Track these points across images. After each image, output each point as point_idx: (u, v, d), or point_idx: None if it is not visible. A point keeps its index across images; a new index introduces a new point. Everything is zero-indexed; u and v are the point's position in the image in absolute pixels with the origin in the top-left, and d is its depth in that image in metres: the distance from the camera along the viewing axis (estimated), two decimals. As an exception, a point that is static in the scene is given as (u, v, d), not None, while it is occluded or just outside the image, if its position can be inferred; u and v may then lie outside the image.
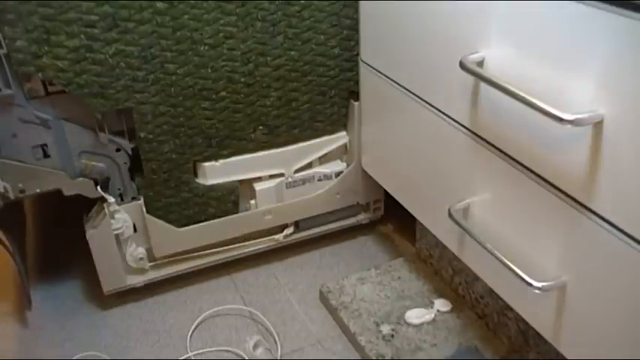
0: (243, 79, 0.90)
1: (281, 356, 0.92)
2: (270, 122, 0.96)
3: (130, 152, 0.90)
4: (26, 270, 1.02)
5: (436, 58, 0.75)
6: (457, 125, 0.74)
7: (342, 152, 1.06)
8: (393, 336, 0.90)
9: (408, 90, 0.83)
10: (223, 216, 1.00)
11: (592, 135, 0.53)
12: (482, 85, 0.67)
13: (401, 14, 0.80)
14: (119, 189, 0.92)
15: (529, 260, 0.65)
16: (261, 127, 0.95)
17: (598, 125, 0.52)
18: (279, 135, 0.98)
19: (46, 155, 0.85)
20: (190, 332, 0.97)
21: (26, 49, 0.75)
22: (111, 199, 0.90)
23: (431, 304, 0.96)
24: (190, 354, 0.93)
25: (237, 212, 1.00)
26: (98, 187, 0.88)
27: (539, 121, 0.59)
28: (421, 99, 0.80)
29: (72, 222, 1.16)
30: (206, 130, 0.91)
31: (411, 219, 0.96)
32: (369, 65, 0.92)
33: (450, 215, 0.73)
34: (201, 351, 0.94)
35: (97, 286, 0.98)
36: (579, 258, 0.58)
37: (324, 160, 1.05)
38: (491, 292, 0.88)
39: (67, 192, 0.87)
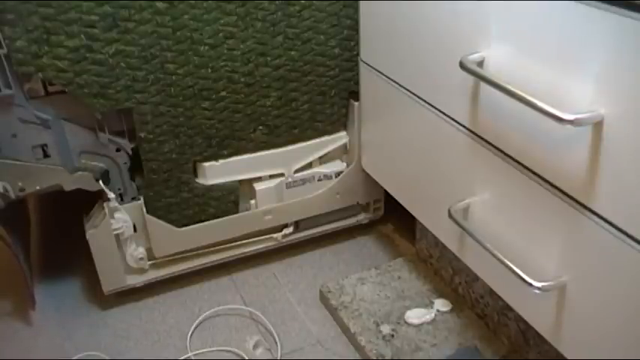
0: (243, 79, 0.90)
1: (281, 356, 0.92)
2: (270, 122, 0.96)
3: (130, 152, 0.90)
4: (30, 269, 1.02)
5: (436, 58, 0.75)
6: (457, 125, 0.74)
7: (342, 152, 1.06)
8: (393, 336, 0.90)
9: (408, 90, 0.83)
10: (223, 216, 1.00)
11: (592, 135, 0.53)
12: (483, 85, 0.67)
13: (401, 14, 0.80)
14: (119, 189, 0.92)
15: (529, 260, 0.65)
16: (261, 127, 0.95)
17: (598, 125, 0.52)
18: (279, 135, 0.97)
19: (46, 155, 0.85)
20: (190, 332, 0.97)
21: (26, 49, 0.75)
22: (111, 195, 0.90)
23: (431, 304, 0.96)
24: (190, 354, 0.93)
25: (237, 212, 1.00)
26: (100, 182, 0.88)
27: (539, 121, 0.59)
28: (421, 99, 0.80)
29: (72, 222, 1.16)
30: (206, 130, 0.91)
31: (411, 219, 0.96)
32: (369, 65, 0.92)
33: (450, 215, 0.73)
34: (201, 351, 0.94)
35: (97, 286, 0.98)
36: (579, 258, 0.58)
37: (324, 160, 1.05)
38: (491, 292, 0.88)
39: (67, 187, 0.87)
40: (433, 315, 0.94)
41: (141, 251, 0.97)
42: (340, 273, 1.08)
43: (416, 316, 0.93)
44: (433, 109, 0.78)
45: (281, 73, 0.92)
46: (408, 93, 0.83)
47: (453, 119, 0.74)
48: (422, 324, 0.92)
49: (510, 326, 0.86)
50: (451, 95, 0.73)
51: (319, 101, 0.98)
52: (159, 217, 0.95)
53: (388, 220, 1.20)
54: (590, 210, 0.56)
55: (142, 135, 0.87)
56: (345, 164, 1.06)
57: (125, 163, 0.90)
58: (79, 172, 0.87)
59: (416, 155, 0.85)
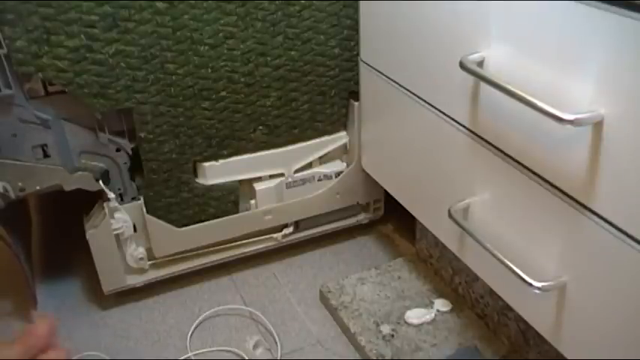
0: (243, 79, 0.90)
1: (281, 356, 0.92)
2: (270, 122, 0.96)
3: (130, 152, 0.90)
4: (31, 269, 1.02)
5: (436, 58, 0.75)
6: (457, 125, 0.74)
7: (342, 152, 1.06)
8: (393, 336, 0.90)
9: (408, 90, 0.83)
10: (223, 216, 1.00)
11: (592, 135, 0.53)
12: (483, 85, 0.67)
13: (401, 14, 0.80)
14: (119, 189, 0.92)
15: (529, 260, 0.65)
16: (261, 127, 0.95)
17: (598, 125, 0.52)
18: (279, 135, 0.97)
19: (46, 155, 0.85)
20: (190, 332, 0.97)
21: (26, 49, 0.75)
22: (111, 195, 0.90)
23: (431, 304, 0.96)
24: (190, 354, 0.93)
25: (237, 212, 1.00)
26: (100, 182, 0.88)
27: (539, 121, 0.59)
28: (421, 99, 0.80)
29: (72, 222, 1.16)
30: (206, 130, 0.91)
31: (411, 219, 0.96)
32: (369, 65, 0.92)
33: (450, 215, 0.73)
34: (201, 351, 0.94)
35: (97, 286, 0.98)
36: (579, 258, 0.58)
37: (324, 160, 1.05)
38: (491, 292, 0.88)
39: (67, 187, 0.87)
40: (433, 315, 0.94)
41: (141, 251, 0.97)
42: (340, 273, 1.08)
43: (416, 316, 0.93)
44: (433, 109, 0.78)
45: (281, 73, 0.92)
46: (408, 93, 0.83)
47: (453, 119, 0.74)
48: (422, 324, 0.92)
49: (510, 326, 0.86)
50: (451, 95, 0.73)
51: (319, 101, 0.98)
52: (159, 217, 0.95)
53: (388, 220, 1.20)
54: (590, 210, 0.56)
55: (142, 135, 0.87)
56: (345, 164, 1.06)
57: (125, 163, 0.90)
58: (79, 172, 0.87)
59: (416, 155, 0.85)
